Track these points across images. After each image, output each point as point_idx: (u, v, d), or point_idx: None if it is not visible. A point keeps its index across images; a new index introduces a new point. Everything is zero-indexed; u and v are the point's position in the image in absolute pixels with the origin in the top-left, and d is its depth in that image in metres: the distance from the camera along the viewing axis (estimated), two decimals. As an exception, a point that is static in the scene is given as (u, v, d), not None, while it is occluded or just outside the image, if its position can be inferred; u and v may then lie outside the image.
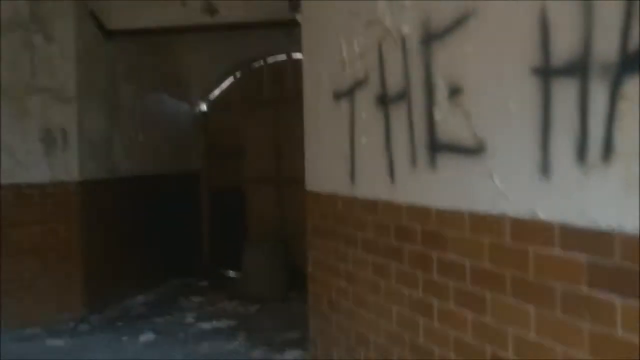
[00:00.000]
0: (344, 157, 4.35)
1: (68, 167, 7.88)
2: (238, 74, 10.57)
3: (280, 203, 9.95)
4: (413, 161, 3.48)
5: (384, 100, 3.80)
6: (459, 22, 3.06)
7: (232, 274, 9.98)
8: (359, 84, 4.13)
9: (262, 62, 10.36)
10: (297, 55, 9.74)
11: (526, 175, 2.63)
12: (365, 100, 4.05)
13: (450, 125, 3.16)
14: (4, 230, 7.58)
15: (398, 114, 3.63)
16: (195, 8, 8.19)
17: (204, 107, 10.82)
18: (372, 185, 3.99)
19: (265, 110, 10.14)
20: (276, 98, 10.03)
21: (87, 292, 7.90)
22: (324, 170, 4.83)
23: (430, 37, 3.30)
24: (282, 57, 10.11)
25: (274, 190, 10.04)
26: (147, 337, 7.17)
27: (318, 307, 4.94)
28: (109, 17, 8.45)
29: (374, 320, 3.96)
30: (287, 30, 8.73)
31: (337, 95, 4.46)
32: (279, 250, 8.90)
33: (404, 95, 3.57)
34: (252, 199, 10.34)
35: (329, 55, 4.58)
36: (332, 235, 4.59)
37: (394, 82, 3.69)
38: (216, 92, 10.76)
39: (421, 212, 3.41)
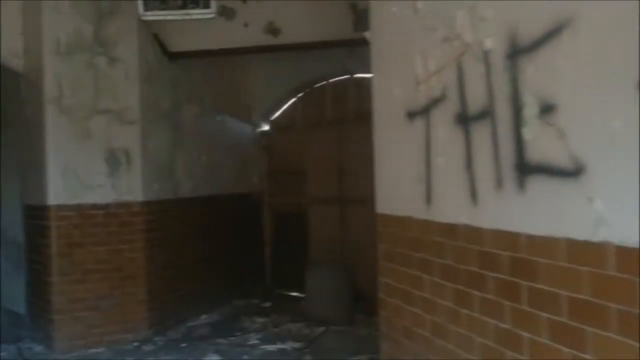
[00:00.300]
0: (418, 178, 4.17)
1: (132, 188, 7.89)
2: (300, 94, 10.48)
3: (343, 224, 9.77)
4: (498, 183, 3.28)
5: (464, 119, 3.62)
6: (552, 34, 2.86)
7: (295, 295, 9.83)
8: (435, 102, 3.95)
9: (324, 82, 10.24)
10: (360, 75, 9.61)
11: (633, 199, 2.40)
12: (442, 118, 3.87)
13: (541, 145, 2.95)
14: (69, 250, 7.59)
15: (480, 133, 3.44)
16: (257, 29, 8.15)
17: (265, 127, 10.77)
18: (450, 208, 3.79)
19: (327, 131, 10.02)
20: (338, 118, 9.90)
21: (150, 313, 7.88)
22: (396, 193, 4.65)
23: (518, 51, 3.11)
24: (344, 76, 9.96)
25: (336, 210, 9.86)
26: (211, 358, 7.07)
27: (390, 334, 4.73)
28: (172, 39, 8.48)
29: (454, 351, 3.74)
30: (350, 49, 8.69)
31: (411, 114, 4.29)
32: (342, 272, 8.71)
33: (487, 113, 3.38)
34: (314, 219, 10.20)
35: (401, 72, 4.42)
36: (406, 260, 4.39)
37: (475, 100, 3.50)
38: (278, 112, 10.70)
39: (508, 238, 3.20)
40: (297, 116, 10.52)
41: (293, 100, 10.58)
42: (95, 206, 7.72)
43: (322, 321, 8.28)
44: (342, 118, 9.83)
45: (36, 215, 7.83)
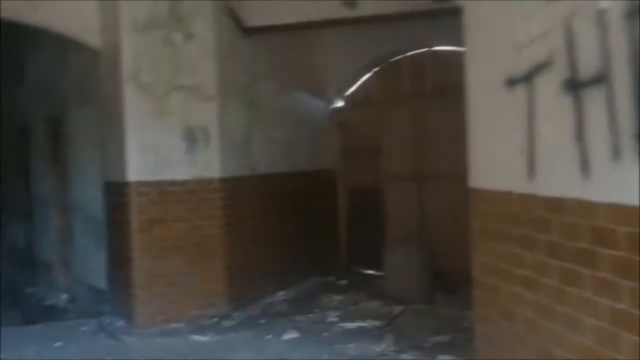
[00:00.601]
0: (519, 150, 3.94)
1: (210, 165, 7.88)
2: (376, 69, 10.26)
3: (420, 201, 9.56)
4: (615, 154, 3.03)
5: (574, 85, 3.37)
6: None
7: (371, 272, 9.69)
8: (539, 68, 3.70)
9: (400, 56, 9.98)
10: (439, 48, 9.35)
11: None
12: (548, 85, 3.62)
13: (669, 110, 2.71)
14: (149, 226, 7.61)
15: (594, 100, 3.19)
16: (334, 2, 7.97)
17: (340, 103, 10.60)
18: (557, 181, 3.56)
19: (404, 106, 9.80)
20: (416, 93, 9.67)
21: (229, 289, 7.89)
22: (492, 166, 4.42)
23: (640, 9, 2.85)
24: (422, 50, 9.69)
25: (414, 187, 9.65)
26: (290, 335, 7.02)
27: (486, 314, 4.54)
28: (247, 14, 8.42)
29: (561, 333, 3.53)
30: (428, 21, 8.44)
31: (511, 82, 4.05)
32: (420, 250, 8.53)
33: (601, 78, 3.13)
34: (390, 196, 10.01)
35: (500, 38, 4.18)
36: (504, 237, 4.18)
37: (587, 64, 3.25)
38: (353, 88, 10.50)
39: (626, 212, 2.95)
40: (373, 91, 10.31)
41: (368, 75, 10.36)
42: (174, 183, 7.74)
43: (400, 299, 8.13)
44: (420, 92, 9.60)
45: (116, 192, 7.89)
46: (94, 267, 8.86)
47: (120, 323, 7.66)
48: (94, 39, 8.11)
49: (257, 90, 8.84)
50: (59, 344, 7.01)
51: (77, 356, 6.58)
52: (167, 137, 7.72)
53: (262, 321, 7.61)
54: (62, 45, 9.14)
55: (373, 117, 10.17)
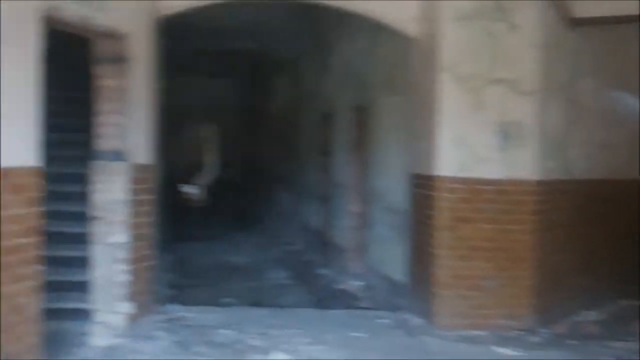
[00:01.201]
0: None
1: (524, 165, 7.37)
2: None
3: None
4: None
5: None
6: None
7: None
8: None
9: None
10: None
11: None
12: None
13: None
14: (455, 224, 7.28)
15: None
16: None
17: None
18: None
19: None
20: None
21: (535, 301, 7.29)
22: None
23: None
24: None
25: None
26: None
27: None
28: (575, 4, 7.71)
29: None
30: None
31: None
32: None
33: None
34: None
35: None
36: None
37: None
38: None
39: None
40: None
41: None
42: (484, 181, 7.31)
43: None
44: None
45: (423, 185, 7.66)
46: (390, 258, 8.79)
47: (417, 321, 7.41)
48: (411, 28, 7.95)
49: (578, 87, 8.12)
50: (358, 334, 6.95)
51: (381, 351, 6.44)
52: (480, 133, 7.31)
53: (572, 342, 6.92)
54: (370, 32, 9.16)
55: None
